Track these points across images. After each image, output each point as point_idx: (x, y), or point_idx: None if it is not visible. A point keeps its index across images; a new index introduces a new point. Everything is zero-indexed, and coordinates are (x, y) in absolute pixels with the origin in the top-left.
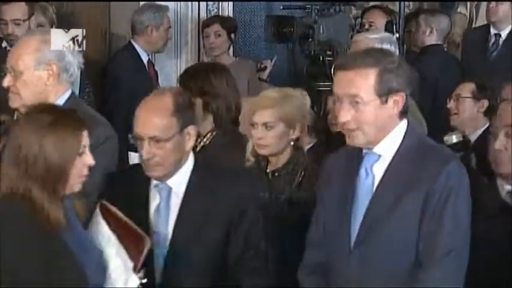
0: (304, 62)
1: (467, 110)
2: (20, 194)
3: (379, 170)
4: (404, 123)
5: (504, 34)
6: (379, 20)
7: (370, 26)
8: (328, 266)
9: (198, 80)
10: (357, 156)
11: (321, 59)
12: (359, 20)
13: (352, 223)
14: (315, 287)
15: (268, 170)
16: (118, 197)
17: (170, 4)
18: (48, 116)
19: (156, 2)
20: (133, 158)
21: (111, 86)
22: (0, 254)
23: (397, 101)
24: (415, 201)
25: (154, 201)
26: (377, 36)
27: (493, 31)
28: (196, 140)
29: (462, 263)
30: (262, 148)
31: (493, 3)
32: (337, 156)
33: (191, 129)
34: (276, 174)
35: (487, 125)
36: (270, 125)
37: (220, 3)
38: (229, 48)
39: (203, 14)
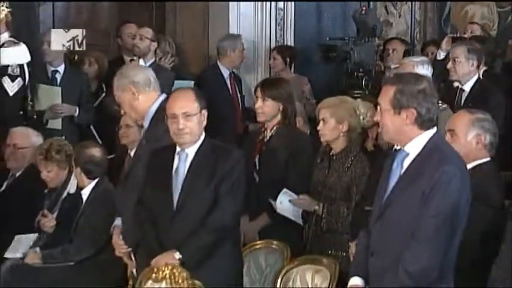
0: (343, 77)
1: (462, 67)
2: None
3: (406, 163)
4: (430, 132)
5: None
6: (400, 48)
7: (393, 52)
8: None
9: (279, 87)
10: (394, 155)
11: (356, 75)
12: (381, 47)
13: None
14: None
15: (331, 153)
16: (152, 164)
17: (249, 35)
18: None
19: (233, 34)
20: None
21: None
22: None
23: (408, 115)
24: (416, 190)
25: (175, 164)
26: (418, 60)
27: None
28: (266, 131)
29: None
30: (321, 136)
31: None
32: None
33: (204, 112)
34: (334, 157)
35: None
36: (325, 120)
37: (285, 35)
38: (290, 68)
39: (273, 43)
